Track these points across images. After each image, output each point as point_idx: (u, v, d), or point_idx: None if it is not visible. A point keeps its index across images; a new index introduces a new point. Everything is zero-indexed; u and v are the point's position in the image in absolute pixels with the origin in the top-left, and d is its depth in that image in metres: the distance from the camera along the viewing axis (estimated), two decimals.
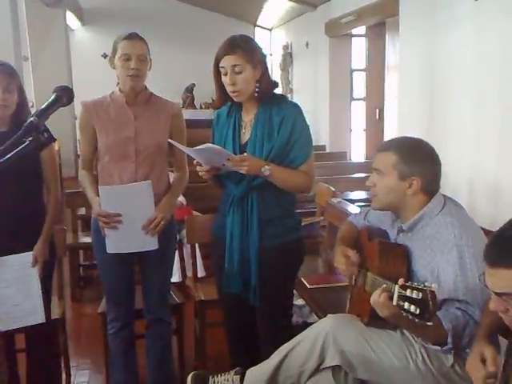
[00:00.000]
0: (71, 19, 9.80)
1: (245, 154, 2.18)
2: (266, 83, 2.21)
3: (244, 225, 2.24)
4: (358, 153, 7.85)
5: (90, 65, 9.55)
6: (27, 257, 2.41)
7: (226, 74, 2.16)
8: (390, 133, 6.28)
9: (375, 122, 7.18)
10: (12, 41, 4.99)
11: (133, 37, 2.40)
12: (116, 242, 2.41)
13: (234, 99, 2.22)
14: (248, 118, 2.26)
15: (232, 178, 2.23)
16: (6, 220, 2.36)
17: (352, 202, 3.96)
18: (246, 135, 2.26)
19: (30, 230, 2.42)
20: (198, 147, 2.12)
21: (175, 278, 3.85)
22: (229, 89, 2.18)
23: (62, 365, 2.88)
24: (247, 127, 2.26)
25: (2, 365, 1.98)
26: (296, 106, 2.28)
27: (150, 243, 2.42)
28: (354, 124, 7.96)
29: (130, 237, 2.40)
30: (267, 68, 2.24)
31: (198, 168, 2.21)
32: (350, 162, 6.32)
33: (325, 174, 4.99)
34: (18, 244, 2.39)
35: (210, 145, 2.10)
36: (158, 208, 2.40)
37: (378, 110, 7.10)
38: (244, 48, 2.14)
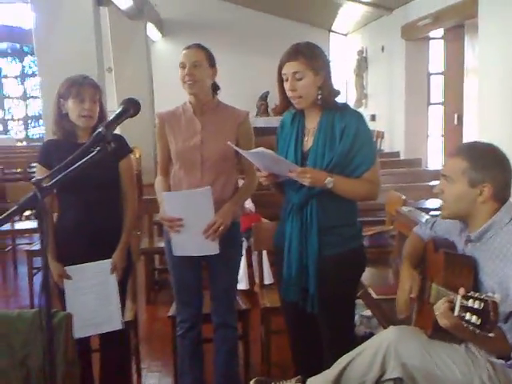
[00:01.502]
0: (152, 31, 10.18)
1: (306, 163, 2.19)
2: (328, 90, 2.20)
3: (302, 233, 2.23)
4: (435, 159, 7.61)
5: (170, 74, 9.76)
6: (106, 264, 2.50)
7: (287, 80, 2.18)
8: (470, 138, 6.05)
9: (454, 128, 6.93)
10: (95, 52, 5.24)
11: (190, 46, 2.49)
12: (180, 246, 2.50)
13: (295, 106, 2.23)
14: (311, 125, 2.27)
15: (292, 185, 2.23)
16: (86, 228, 2.46)
17: (426, 210, 3.85)
18: (308, 143, 2.26)
19: (109, 237, 2.51)
20: (251, 150, 2.15)
21: (242, 284, 3.90)
22: (289, 95, 2.20)
23: (134, 366, 2.98)
24: (310, 135, 2.26)
25: (76, 364, 2.08)
26: (357, 113, 2.27)
27: (211, 248, 2.47)
28: (431, 129, 7.73)
29: (192, 241, 2.47)
30: (330, 75, 2.23)
31: (258, 174, 2.24)
32: (424, 170, 6.13)
33: (398, 181, 4.87)
34: (97, 251, 2.48)
35: (263, 149, 2.10)
36: (217, 214, 2.45)
37: (456, 115, 6.84)
38: (306, 55, 2.16)
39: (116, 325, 2.52)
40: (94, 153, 1.44)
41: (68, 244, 2.48)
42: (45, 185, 1.36)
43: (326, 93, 2.20)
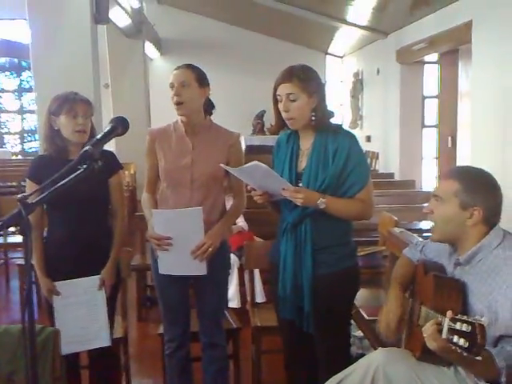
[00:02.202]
0: (150, 49, 10.27)
1: (300, 185, 2.20)
2: (321, 112, 2.22)
3: (297, 252, 2.24)
4: (428, 181, 7.65)
5: (167, 92, 9.90)
6: (95, 280, 2.49)
7: (281, 101, 2.21)
8: (463, 161, 6.09)
9: (448, 150, 6.98)
10: (92, 69, 5.26)
11: (179, 66, 2.49)
12: (167, 264, 2.48)
13: (289, 126, 2.26)
14: (305, 146, 2.29)
15: (287, 205, 2.25)
16: (75, 243, 2.45)
17: (419, 232, 3.86)
18: (302, 163, 2.28)
19: (98, 253, 2.51)
20: (245, 165, 2.16)
21: (234, 303, 3.89)
22: (283, 115, 2.23)
23: (124, 383, 2.95)
24: (304, 156, 2.28)
25: (64, 381, 2.06)
26: (350, 134, 2.29)
27: (199, 269, 2.45)
28: (425, 152, 7.78)
29: (179, 260, 2.45)
30: (324, 98, 2.26)
31: (252, 193, 2.24)
32: (417, 191, 6.16)
33: (391, 202, 4.89)
34: (86, 267, 2.47)
35: (257, 162, 2.10)
36: (207, 235, 2.43)
37: (450, 138, 6.90)
38: (300, 77, 2.18)
39: (104, 341, 2.51)
40: (80, 170, 1.45)
41: (57, 259, 2.48)
42: (30, 201, 1.36)
43: (320, 115, 2.22)
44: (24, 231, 1.32)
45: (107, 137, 1.54)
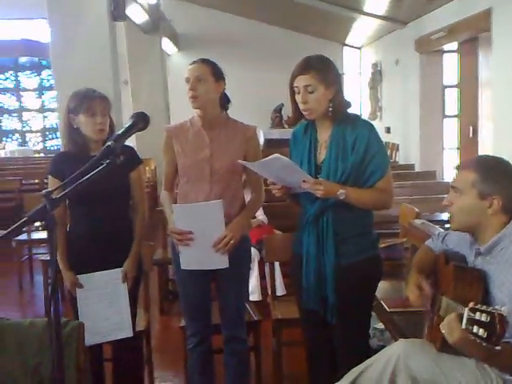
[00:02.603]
0: (168, 45, 10.31)
1: (319, 177, 2.21)
2: (339, 103, 2.22)
3: (320, 243, 2.25)
4: (450, 172, 7.57)
5: (185, 87, 9.96)
6: (117, 273, 2.53)
7: (299, 93, 2.21)
8: (485, 151, 6.02)
9: (469, 140, 6.90)
10: (111, 66, 5.32)
11: (195, 61, 2.50)
12: (189, 259, 2.49)
13: (306, 117, 2.25)
14: (323, 138, 2.29)
15: (308, 197, 2.24)
16: (97, 238, 2.49)
17: (440, 223, 3.83)
18: (321, 155, 2.28)
19: (119, 247, 2.55)
20: (265, 159, 2.16)
21: (255, 296, 3.91)
22: (301, 107, 2.22)
23: (146, 376, 2.99)
24: (323, 147, 2.28)
25: (87, 373, 2.10)
26: (368, 123, 2.28)
27: (221, 262, 2.46)
28: (446, 142, 7.70)
29: (201, 254, 2.46)
30: (341, 88, 2.25)
31: (270, 187, 2.25)
32: (438, 182, 6.10)
33: (412, 193, 4.86)
34: (109, 261, 2.52)
35: (278, 155, 2.10)
36: (228, 227, 2.44)
37: (471, 128, 6.83)
38: (317, 68, 2.18)
39: (126, 332, 2.55)
40: (103, 165, 1.47)
41: (80, 254, 2.52)
42: (54, 197, 1.39)
43: (337, 105, 2.22)
44: (49, 226, 1.35)
45: (128, 132, 1.55)
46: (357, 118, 2.30)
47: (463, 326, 1.56)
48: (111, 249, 2.51)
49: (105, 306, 2.53)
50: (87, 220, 2.51)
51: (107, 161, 1.44)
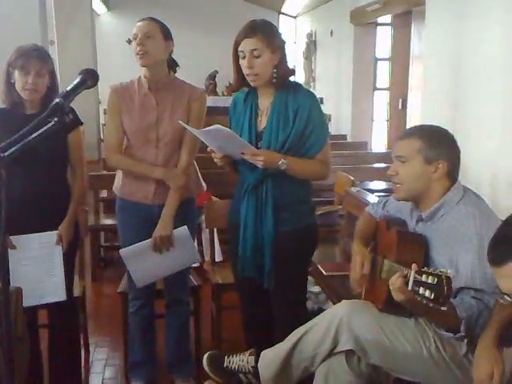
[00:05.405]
0: (97, 4, 9.85)
1: (260, 144, 2.20)
2: (283, 69, 2.21)
3: (258, 212, 2.25)
4: (379, 143, 7.80)
5: (115, 49, 9.53)
6: (52, 236, 2.47)
7: (244, 58, 2.16)
8: (413, 123, 6.21)
9: (398, 112, 7.11)
10: (39, 25, 5.03)
11: (143, 18, 2.44)
12: (142, 276, 2.56)
13: (251, 83, 2.21)
14: (264, 105, 2.26)
15: (247, 165, 2.23)
16: (33, 200, 2.41)
17: (371, 191, 3.96)
18: (262, 123, 2.26)
19: (56, 210, 2.49)
20: (206, 128, 2.12)
21: None
22: (246, 72, 2.18)
23: (82, 342, 2.96)
24: (263, 115, 2.26)
25: (26, 340, 2.03)
26: (311, 94, 2.28)
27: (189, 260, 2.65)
28: (376, 114, 7.90)
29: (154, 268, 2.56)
30: (285, 54, 2.23)
31: (212, 155, 2.22)
32: (370, 152, 6.28)
33: (345, 163, 4.97)
34: (44, 224, 2.45)
35: (219, 126, 2.08)
36: (157, 229, 2.50)
37: (401, 100, 7.03)
38: (264, 32, 2.15)
39: (60, 296, 2.49)
40: (51, 123, 1.40)
41: (14, 216, 2.40)
42: (2, 155, 1.31)
43: (282, 72, 2.20)
44: None
45: (77, 89, 1.48)
46: (299, 86, 2.29)
47: (409, 287, 1.62)
48: (47, 212, 2.45)
49: (38, 269, 2.47)
50: (21, 181, 2.40)
51: (55, 119, 1.37)
